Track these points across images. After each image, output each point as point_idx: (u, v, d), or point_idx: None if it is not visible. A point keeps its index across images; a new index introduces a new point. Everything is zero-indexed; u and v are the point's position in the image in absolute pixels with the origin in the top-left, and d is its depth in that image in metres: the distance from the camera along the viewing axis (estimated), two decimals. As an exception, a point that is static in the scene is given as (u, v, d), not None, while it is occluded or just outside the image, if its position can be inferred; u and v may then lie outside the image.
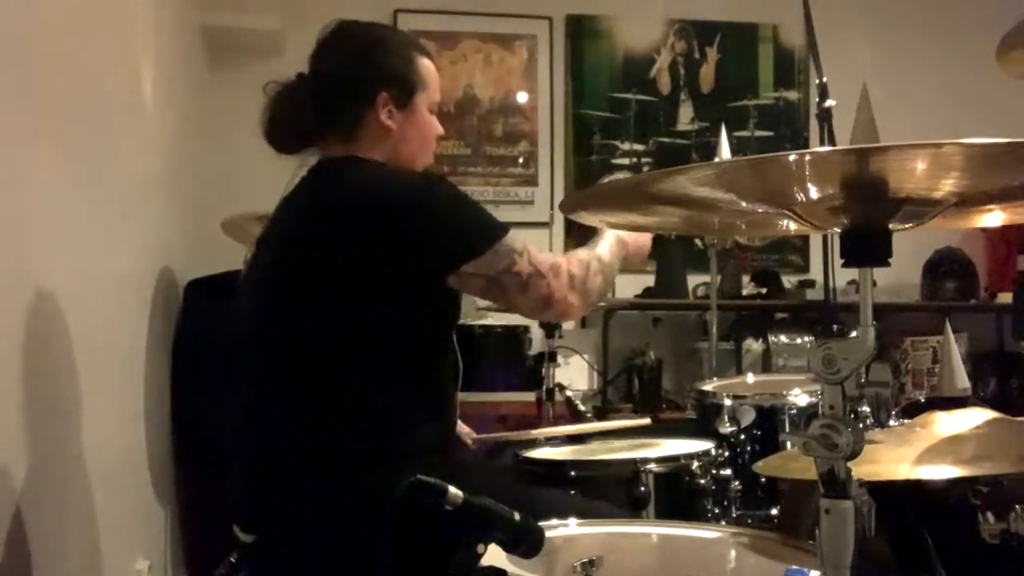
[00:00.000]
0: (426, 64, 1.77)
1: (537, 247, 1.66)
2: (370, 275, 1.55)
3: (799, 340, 3.77)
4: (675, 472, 1.87)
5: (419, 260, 1.57)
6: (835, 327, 2.55)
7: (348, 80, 1.72)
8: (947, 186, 0.89)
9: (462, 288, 1.63)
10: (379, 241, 1.54)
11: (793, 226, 1.06)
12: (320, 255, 1.56)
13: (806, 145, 4.35)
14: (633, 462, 1.83)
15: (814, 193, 0.91)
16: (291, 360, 1.59)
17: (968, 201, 0.96)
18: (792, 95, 4.49)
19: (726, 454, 2.02)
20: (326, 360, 1.56)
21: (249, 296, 1.68)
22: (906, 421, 1.59)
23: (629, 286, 4.06)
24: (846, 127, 1.17)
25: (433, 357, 1.67)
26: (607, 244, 1.78)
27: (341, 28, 1.77)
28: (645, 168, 4.35)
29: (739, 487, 2.02)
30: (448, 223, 1.60)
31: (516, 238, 1.62)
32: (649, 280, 4.07)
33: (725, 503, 2.00)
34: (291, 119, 1.71)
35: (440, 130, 1.81)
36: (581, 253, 1.72)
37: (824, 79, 2.19)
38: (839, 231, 0.95)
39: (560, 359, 2.75)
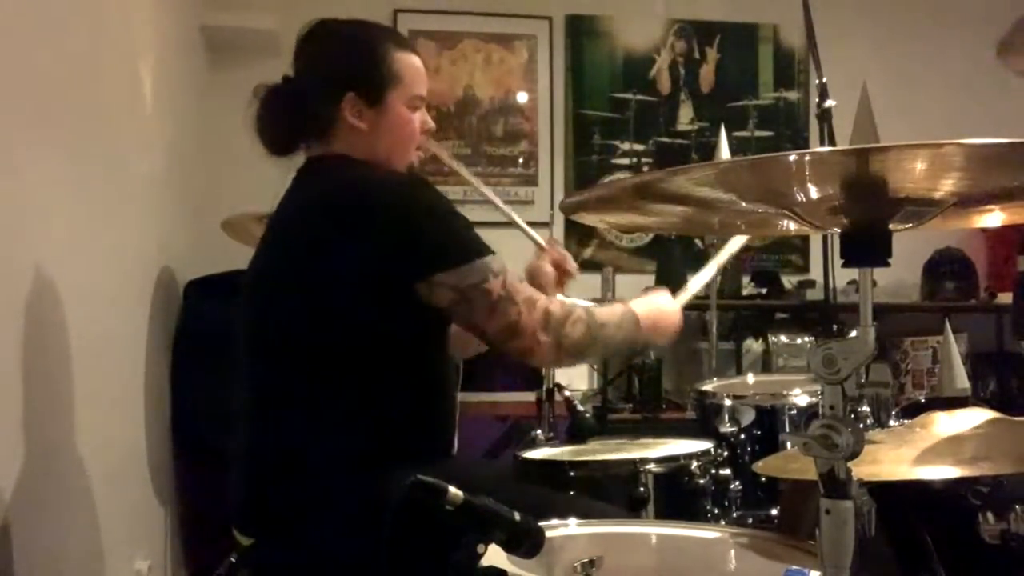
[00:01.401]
0: (403, 58, 1.70)
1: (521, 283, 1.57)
2: (351, 276, 1.53)
3: (799, 340, 3.77)
4: (675, 472, 1.87)
5: (390, 264, 1.52)
6: (835, 327, 2.55)
7: (316, 82, 1.69)
8: (947, 186, 0.89)
9: (431, 299, 1.54)
10: (354, 242, 1.52)
11: (793, 226, 1.06)
12: (309, 256, 1.56)
13: (806, 145, 4.34)
14: (632, 462, 1.82)
15: (814, 193, 0.91)
16: (288, 361, 1.58)
17: (968, 201, 0.96)
18: (792, 95, 4.49)
19: (726, 454, 2.02)
20: (323, 361, 1.55)
21: (246, 297, 1.68)
22: (906, 421, 1.59)
23: (629, 286, 4.05)
24: (846, 127, 1.17)
25: (432, 357, 1.66)
26: (612, 311, 1.68)
27: (313, 29, 1.74)
28: (645, 168, 4.35)
29: (739, 487, 2.02)
30: (427, 230, 1.55)
31: (497, 261, 1.56)
32: (649, 280, 4.06)
33: (725, 503, 2.00)
34: (275, 122, 1.70)
35: (429, 124, 1.74)
36: (571, 301, 1.63)
37: (824, 79, 2.19)
38: (839, 231, 0.95)
39: (560, 359, 2.74)
